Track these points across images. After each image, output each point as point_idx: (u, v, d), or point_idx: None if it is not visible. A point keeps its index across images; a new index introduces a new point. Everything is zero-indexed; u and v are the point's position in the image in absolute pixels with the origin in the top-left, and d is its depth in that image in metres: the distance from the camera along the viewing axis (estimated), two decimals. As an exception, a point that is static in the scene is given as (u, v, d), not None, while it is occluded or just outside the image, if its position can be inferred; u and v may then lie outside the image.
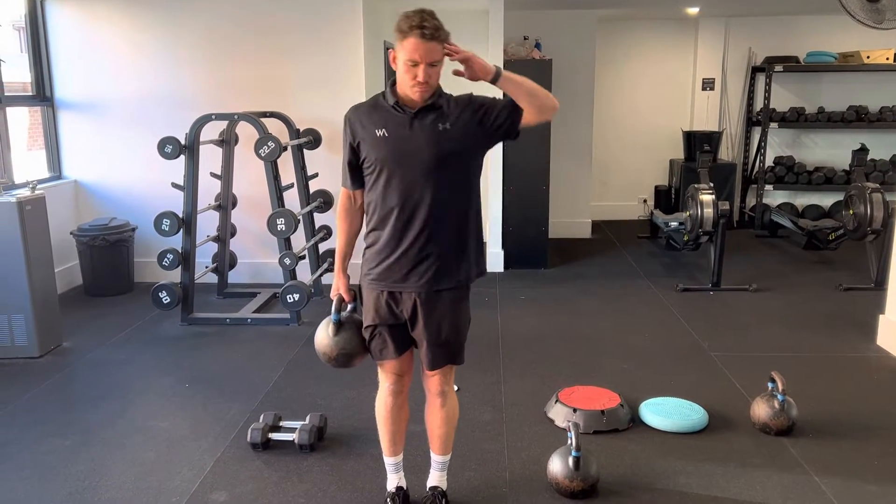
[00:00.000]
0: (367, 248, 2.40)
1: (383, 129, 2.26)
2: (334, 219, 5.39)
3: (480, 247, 2.43)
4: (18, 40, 5.86)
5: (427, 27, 2.11)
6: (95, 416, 3.48)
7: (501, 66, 2.27)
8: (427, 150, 2.24)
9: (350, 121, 2.34)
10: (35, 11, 5.51)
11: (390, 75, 6.17)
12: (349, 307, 2.46)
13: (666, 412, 3.33)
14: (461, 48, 2.21)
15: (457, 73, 2.26)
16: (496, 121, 2.29)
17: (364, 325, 2.44)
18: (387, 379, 2.50)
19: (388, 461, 2.67)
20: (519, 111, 2.28)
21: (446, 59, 2.23)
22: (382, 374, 2.51)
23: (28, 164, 5.75)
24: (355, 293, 2.47)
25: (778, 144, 8.02)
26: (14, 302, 4.14)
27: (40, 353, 4.23)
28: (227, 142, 5.12)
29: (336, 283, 2.47)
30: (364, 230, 2.42)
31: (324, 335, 2.44)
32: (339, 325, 2.42)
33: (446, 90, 2.32)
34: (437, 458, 2.64)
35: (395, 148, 2.25)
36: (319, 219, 5.51)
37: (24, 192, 4.21)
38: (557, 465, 2.73)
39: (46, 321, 4.28)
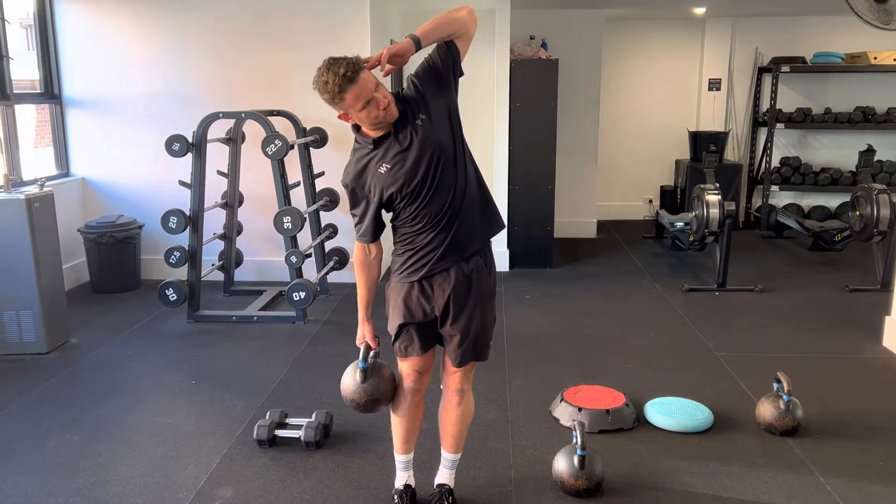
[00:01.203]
0: (398, 252, 2.41)
1: (384, 166, 2.27)
2: (340, 217, 5.46)
3: (492, 200, 2.46)
4: (27, 38, 5.89)
5: (346, 73, 2.11)
6: (102, 412, 3.50)
7: (416, 34, 2.22)
8: (426, 150, 2.25)
9: (352, 187, 2.33)
10: (44, 9, 5.54)
11: (397, 84, 6.19)
12: (372, 353, 2.49)
13: (671, 412, 3.33)
14: (373, 57, 2.21)
15: (387, 73, 2.25)
16: (444, 71, 2.29)
17: (392, 326, 2.45)
18: (408, 376, 2.51)
19: (399, 458, 2.68)
20: (453, 47, 2.29)
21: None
22: (403, 371, 2.52)
23: (36, 162, 5.77)
24: (380, 340, 2.51)
25: (784, 145, 8.00)
26: (22, 298, 4.16)
27: (48, 349, 4.25)
28: (234, 140, 5.13)
29: (361, 331, 2.49)
30: (395, 238, 2.43)
31: (351, 381, 2.48)
32: (366, 373, 2.45)
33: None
34: (447, 456, 2.65)
35: (401, 171, 2.25)
36: (325, 217, 5.52)
37: (33, 190, 4.23)
38: (562, 464, 2.74)
39: (54, 317, 4.31)
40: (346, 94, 2.13)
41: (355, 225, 2.42)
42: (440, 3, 6.69)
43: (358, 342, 2.50)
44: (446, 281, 2.35)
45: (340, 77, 2.10)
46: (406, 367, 2.50)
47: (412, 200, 2.28)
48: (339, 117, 2.26)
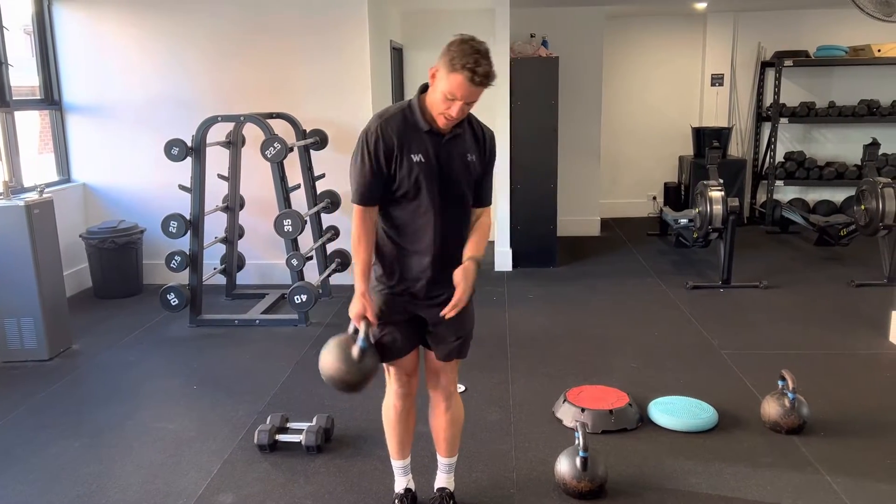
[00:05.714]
0: (382, 261, 2.34)
1: (419, 155, 2.20)
2: (341, 219, 5.45)
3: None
4: (27, 44, 5.90)
5: (479, 74, 2.05)
6: (104, 417, 3.49)
7: (477, 256, 2.31)
8: (461, 180, 2.27)
9: (382, 137, 2.18)
10: (42, 15, 5.54)
11: (408, 85, 6.17)
12: (373, 331, 2.33)
13: (675, 411, 3.30)
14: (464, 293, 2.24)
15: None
16: (482, 180, 2.36)
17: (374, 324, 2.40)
18: (395, 381, 2.48)
19: (397, 464, 2.66)
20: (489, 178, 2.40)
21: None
22: (390, 377, 2.49)
23: (37, 168, 5.78)
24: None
25: (788, 140, 7.96)
26: (23, 305, 4.16)
27: (50, 355, 4.24)
28: (234, 143, 5.13)
29: (361, 305, 2.26)
30: (379, 242, 2.34)
31: (338, 360, 2.25)
32: (364, 352, 2.25)
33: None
34: (443, 461, 2.64)
35: (430, 174, 2.22)
36: (327, 219, 5.50)
37: (33, 196, 4.23)
38: (565, 466, 2.72)
39: (56, 324, 4.30)
40: (457, 75, 2.06)
41: (357, 187, 2.24)
42: (439, 4, 6.68)
43: (355, 317, 2.27)
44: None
45: (470, 69, 2.04)
46: (393, 371, 2.46)
47: (413, 199, 2.25)
48: (431, 71, 2.17)
